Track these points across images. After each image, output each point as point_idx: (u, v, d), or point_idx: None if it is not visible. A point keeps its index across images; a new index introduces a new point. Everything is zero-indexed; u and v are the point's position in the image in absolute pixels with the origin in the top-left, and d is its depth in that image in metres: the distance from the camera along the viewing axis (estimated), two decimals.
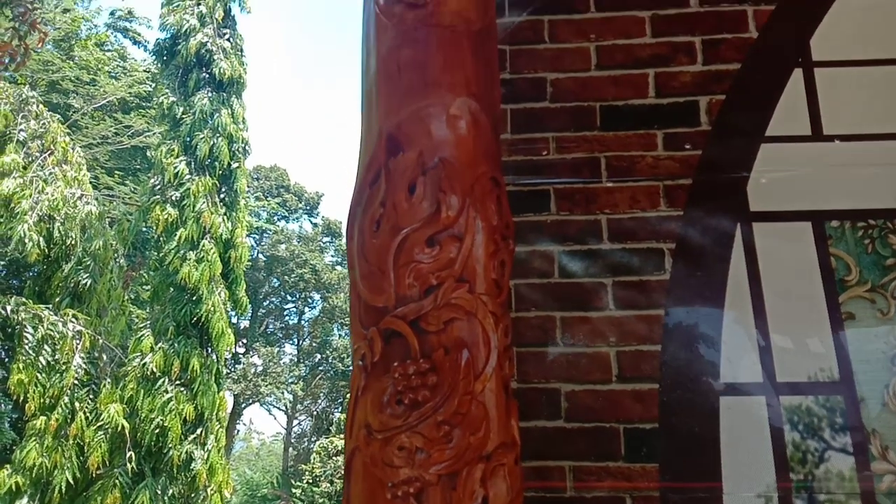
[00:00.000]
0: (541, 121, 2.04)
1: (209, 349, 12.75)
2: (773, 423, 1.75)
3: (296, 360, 33.42)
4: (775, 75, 2.01)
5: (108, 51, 20.67)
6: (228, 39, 13.63)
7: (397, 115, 1.48)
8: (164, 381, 11.64)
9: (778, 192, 1.93)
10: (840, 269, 1.86)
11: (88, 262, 12.18)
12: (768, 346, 1.79)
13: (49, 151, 12.79)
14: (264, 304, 34.04)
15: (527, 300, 1.90)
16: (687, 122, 2.00)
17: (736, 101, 1.99)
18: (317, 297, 33.35)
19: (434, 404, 1.26)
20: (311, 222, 35.63)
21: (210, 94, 13.00)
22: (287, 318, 35.34)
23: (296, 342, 35.22)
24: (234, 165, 13.28)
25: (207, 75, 13.19)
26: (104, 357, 12.39)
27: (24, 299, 11.27)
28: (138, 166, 20.03)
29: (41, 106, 12.91)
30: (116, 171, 19.82)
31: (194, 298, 12.22)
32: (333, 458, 20.81)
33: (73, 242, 12.48)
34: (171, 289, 12.54)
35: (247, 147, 13.65)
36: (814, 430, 1.75)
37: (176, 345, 12.01)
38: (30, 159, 12.59)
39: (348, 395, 1.43)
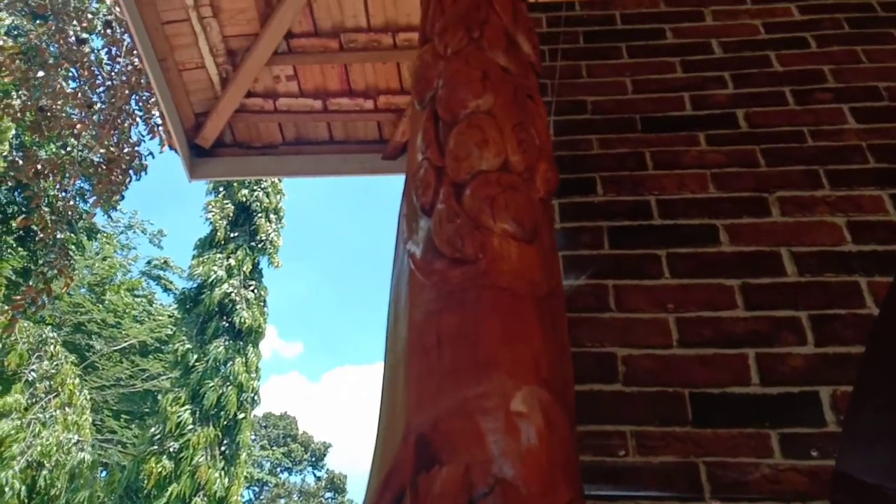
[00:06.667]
0: (614, 409, 1.57)
1: None
2: None
3: None
4: None
5: (139, 296, 21.20)
6: (253, 290, 13.87)
7: (434, 408, 1.02)
8: None
9: None
10: None
11: None
12: None
13: (55, 393, 12.49)
14: None
15: None
16: (807, 421, 1.51)
17: (869, 394, 1.53)
18: None
19: None
20: (315, 475, 33.78)
21: (226, 342, 12.88)
22: None
23: None
24: (241, 416, 12.68)
25: (227, 324, 13.20)
26: None
27: None
28: (147, 410, 19.47)
29: (58, 346, 12.86)
30: (123, 415, 19.19)
31: None
32: None
33: (57, 493, 11.60)
34: None
35: (256, 397, 13.17)
36: None
37: None
38: (34, 400, 12.24)
39: None
